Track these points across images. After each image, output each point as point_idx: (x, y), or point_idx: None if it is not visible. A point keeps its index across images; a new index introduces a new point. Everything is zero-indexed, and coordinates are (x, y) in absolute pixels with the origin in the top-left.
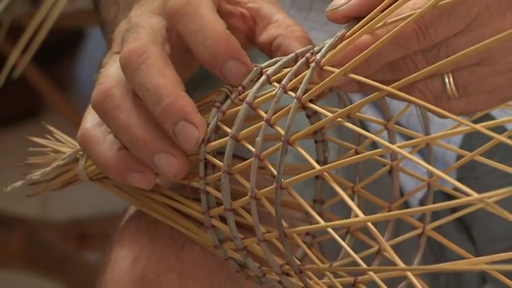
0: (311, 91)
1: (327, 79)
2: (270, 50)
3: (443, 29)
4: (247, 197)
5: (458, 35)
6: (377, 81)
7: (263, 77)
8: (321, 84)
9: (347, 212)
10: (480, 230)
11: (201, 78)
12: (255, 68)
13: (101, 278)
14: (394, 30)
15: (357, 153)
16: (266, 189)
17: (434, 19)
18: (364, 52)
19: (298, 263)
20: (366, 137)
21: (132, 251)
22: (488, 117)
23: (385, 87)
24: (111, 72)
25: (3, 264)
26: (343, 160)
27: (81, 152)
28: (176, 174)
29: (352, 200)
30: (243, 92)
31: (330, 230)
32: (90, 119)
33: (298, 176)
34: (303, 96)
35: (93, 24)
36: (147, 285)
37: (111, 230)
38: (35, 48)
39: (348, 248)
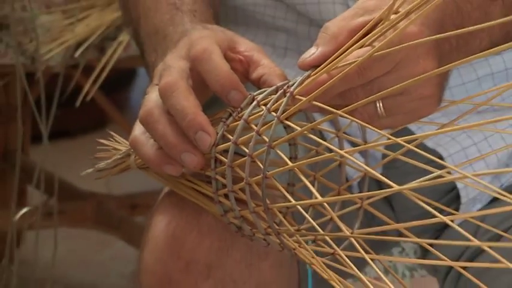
0: (287, 112)
1: (298, 104)
2: (259, 84)
3: (376, 70)
4: (243, 183)
5: (386, 74)
6: (331, 106)
7: (254, 102)
8: (293, 107)
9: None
10: (398, 202)
11: (212, 101)
12: (249, 95)
13: (145, 235)
14: (343, 72)
15: (317, 152)
16: (256, 177)
17: (370, 63)
18: (323, 86)
19: (277, 227)
20: (322, 142)
21: (166, 217)
22: (406, 130)
23: (336, 111)
24: (152, 98)
25: (80, 224)
26: (309, 160)
27: (132, 150)
28: (195, 166)
29: (313, 184)
30: (241, 112)
31: (298, 206)
32: (138, 129)
33: (278, 169)
34: (281, 116)
35: (141, 65)
36: (176, 239)
37: (152, 202)
38: (101, 81)
39: (309, 218)
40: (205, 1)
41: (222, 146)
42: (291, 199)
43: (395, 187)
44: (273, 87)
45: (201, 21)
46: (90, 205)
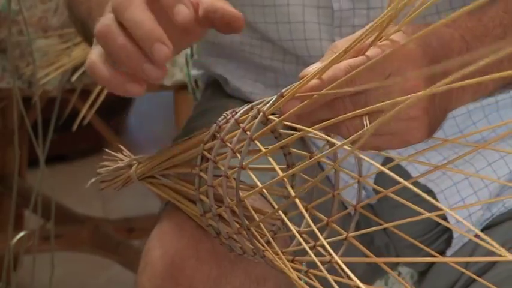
0: (259, 132)
1: (269, 126)
2: (208, 20)
3: (365, 80)
4: (222, 177)
5: (376, 88)
6: (316, 120)
7: (232, 120)
8: (266, 127)
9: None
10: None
11: (206, 110)
12: (228, 115)
13: (143, 260)
14: (332, 74)
15: (310, 158)
16: (233, 170)
17: (360, 72)
18: (298, 107)
19: (247, 222)
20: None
21: (165, 243)
22: (397, 166)
23: (308, 129)
24: (107, 16)
25: (77, 248)
26: (304, 164)
27: (134, 161)
28: (157, 77)
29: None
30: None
31: (280, 212)
32: (94, 53)
33: (254, 157)
34: (254, 136)
35: None
36: (175, 266)
37: (149, 226)
38: (98, 105)
39: (291, 226)
40: None
41: (209, 143)
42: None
43: (383, 224)
44: (248, 106)
45: None
46: (87, 229)
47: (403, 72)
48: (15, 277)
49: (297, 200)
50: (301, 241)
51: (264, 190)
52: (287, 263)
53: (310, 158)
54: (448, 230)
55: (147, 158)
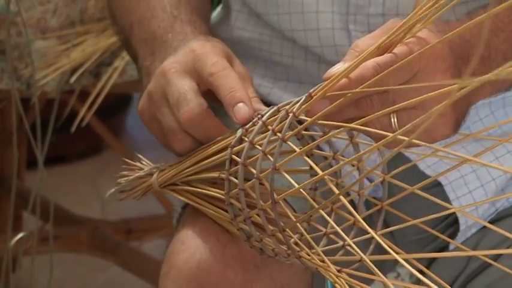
0: (292, 133)
1: (302, 125)
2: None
3: (393, 79)
4: (253, 179)
5: (403, 84)
6: (345, 120)
7: (260, 122)
8: (298, 128)
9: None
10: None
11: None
12: (258, 114)
13: (166, 263)
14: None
15: (334, 158)
16: (265, 172)
17: (388, 71)
18: (327, 108)
19: (282, 224)
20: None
21: (191, 247)
22: (404, 158)
23: (347, 124)
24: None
25: (76, 249)
26: (344, 162)
27: (154, 169)
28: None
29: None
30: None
31: (320, 211)
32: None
33: (288, 157)
34: (286, 137)
35: (137, 91)
36: (201, 271)
37: (148, 228)
38: (96, 106)
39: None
40: (200, 15)
41: (238, 147)
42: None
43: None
44: (275, 108)
45: (200, 33)
46: (86, 230)
47: (431, 69)
48: (14, 278)
49: (341, 197)
50: (352, 246)
51: (301, 190)
52: (330, 264)
53: (334, 159)
54: (451, 226)
55: (169, 166)
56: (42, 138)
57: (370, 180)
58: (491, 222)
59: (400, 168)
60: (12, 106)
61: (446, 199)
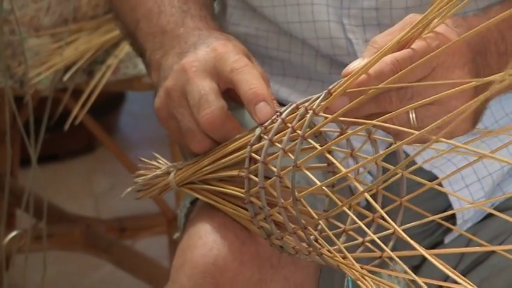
0: (312, 130)
1: (323, 122)
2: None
3: (412, 74)
4: (274, 177)
5: (421, 80)
6: (363, 116)
7: (279, 120)
8: (319, 125)
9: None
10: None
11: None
12: (277, 112)
13: (180, 257)
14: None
15: (351, 155)
16: (286, 170)
17: (407, 66)
18: (349, 104)
19: (304, 222)
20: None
21: (208, 243)
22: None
23: (366, 121)
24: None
25: (69, 248)
26: (366, 161)
27: (171, 168)
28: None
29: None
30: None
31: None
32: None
33: (310, 155)
34: (306, 134)
35: (130, 89)
36: (217, 267)
37: (141, 226)
38: (90, 104)
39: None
40: (209, 11)
41: (257, 145)
42: (334, 197)
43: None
44: (293, 106)
45: (213, 29)
46: (79, 228)
47: (449, 64)
48: (7, 277)
49: (366, 195)
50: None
51: (324, 188)
52: (354, 262)
53: (351, 156)
54: (448, 220)
55: (186, 165)
56: (36, 136)
57: (371, 174)
58: (487, 216)
59: (419, 164)
60: (5, 104)
61: (443, 193)
